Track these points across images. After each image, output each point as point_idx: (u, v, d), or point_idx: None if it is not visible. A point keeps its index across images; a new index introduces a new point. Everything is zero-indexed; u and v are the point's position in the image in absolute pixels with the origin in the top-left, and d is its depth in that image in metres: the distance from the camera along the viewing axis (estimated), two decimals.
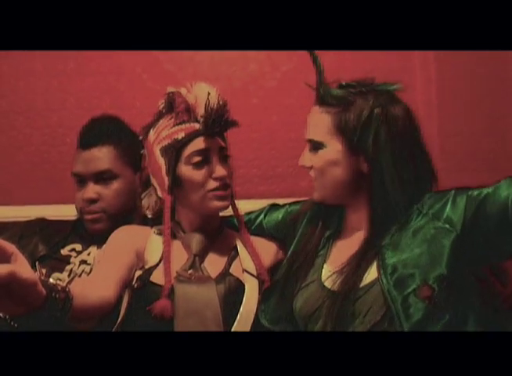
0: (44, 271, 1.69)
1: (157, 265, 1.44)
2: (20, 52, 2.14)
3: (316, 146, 1.37)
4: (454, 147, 2.22)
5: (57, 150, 2.20)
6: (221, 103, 1.43)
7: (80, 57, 2.20)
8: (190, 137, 1.45)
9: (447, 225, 1.25)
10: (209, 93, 1.43)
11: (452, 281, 1.22)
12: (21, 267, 0.89)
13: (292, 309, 1.39)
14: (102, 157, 1.75)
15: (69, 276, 1.68)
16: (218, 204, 1.47)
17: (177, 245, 1.50)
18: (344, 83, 1.42)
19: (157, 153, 1.49)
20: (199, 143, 1.45)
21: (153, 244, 1.49)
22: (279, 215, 1.62)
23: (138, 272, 1.45)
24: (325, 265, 1.40)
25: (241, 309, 1.40)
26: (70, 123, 2.17)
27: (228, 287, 1.42)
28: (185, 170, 1.46)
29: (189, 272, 1.43)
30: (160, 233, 1.52)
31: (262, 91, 2.21)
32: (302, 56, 2.15)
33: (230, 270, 1.48)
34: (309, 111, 1.43)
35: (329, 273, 1.36)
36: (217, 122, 1.44)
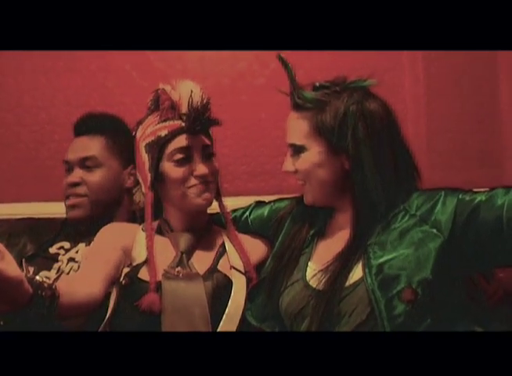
0: (32, 269, 1.69)
1: (145, 262, 1.44)
2: (9, 52, 2.13)
3: (298, 149, 1.38)
4: (442, 145, 2.23)
5: (46, 147, 2.19)
6: (204, 101, 1.43)
7: (69, 55, 2.19)
8: (173, 134, 1.45)
9: (434, 230, 1.25)
10: (192, 91, 1.43)
11: (437, 286, 1.22)
12: (7, 265, 0.89)
13: (278, 308, 1.39)
14: (91, 144, 1.80)
15: (57, 273, 1.68)
16: (198, 200, 1.47)
17: (165, 242, 1.51)
18: (317, 84, 1.42)
19: (142, 149, 1.50)
20: (181, 141, 1.45)
21: (140, 240, 1.49)
22: (264, 212, 1.62)
23: (126, 270, 1.45)
24: (309, 264, 1.40)
25: (229, 304, 1.40)
26: (59, 120, 2.17)
27: (216, 284, 1.43)
28: (167, 167, 1.47)
29: (177, 269, 1.43)
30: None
31: (251, 88, 2.21)
32: (291, 54, 2.17)
33: (218, 267, 1.48)
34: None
35: (313, 272, 1.36)
36: (198, 120, 1.44)
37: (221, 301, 1.40)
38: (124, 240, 1.49)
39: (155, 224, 1.54)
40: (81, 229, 1.80)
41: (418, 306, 1.20)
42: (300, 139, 1.38)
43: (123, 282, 1.43)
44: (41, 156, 2.19)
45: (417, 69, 2.25)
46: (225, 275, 1.45)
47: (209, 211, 1.57)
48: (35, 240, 1.79)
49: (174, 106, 1.47)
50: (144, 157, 1.50)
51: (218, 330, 1.38)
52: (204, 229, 1.56)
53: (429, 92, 2.24)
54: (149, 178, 1.50)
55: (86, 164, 1.78)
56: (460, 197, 1.25)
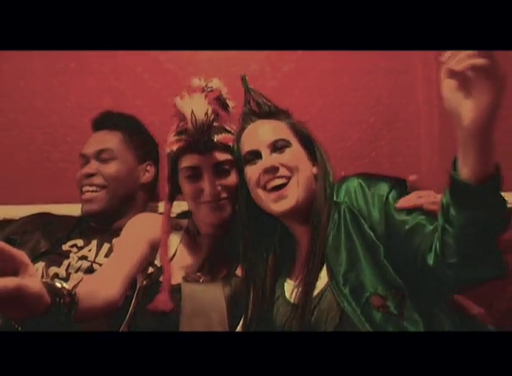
0: (43, 264, 1.69)
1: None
2: (21, 52, 2.14)
3: (283, 145, 1.38)
4: (455, 147, 2.21)
5: (58, 150, 2.19)
6: (208, 120, 1.39)
7: (80, 56, 2.20)
8: (182, 151, 1.44)
9: (373, 236, 1.26)
10: (192, 110, 1.38)
11: (403, 289, 1.21)
12: (29, 281, 0.89)
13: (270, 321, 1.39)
14: (108, 138, 1.85)
15: (66, 270, 1.68)
16: (210, 218, 1.47)
17: (191, 244, 1.51)
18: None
19: (165, 157, 1.51)
20: (190, 159, 1.44)
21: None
22: None
23: (151, 270, 1.45)
24: (287, 280, 1.41)
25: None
26: (71, 122, 2.17)
27: (233, 289, 1.42)
28: (182, 181, 1.47)
29: (198, 274, 1.43)
30: (176, 229, 1.53)
31: (263, 91, 2.20)
32: (302, 56, 2.17)
33: (236, 272, 1.48)
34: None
35: (291, 288, 1.37)
36: (200, 141, 1.40)
37: (239, 307, 1.40)
38: (152, 233, 1.48)
39: (184, 222, 1.54)
40: (94, 227, 1.81)
41: (390, 311, 1.19)
42: (284, 135, 1.40)
43: (144, 282, 1.43)
44: (53, 158, 2.19)
45: (430, 70, 2.23)
46: (243, 280, 1.44)
47: None
48: (49, 237, 1.80)
49: (184, 119, 1.43)
50: (167, 167, 1.51)
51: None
52: (227, 234, 1.54)
53: (442, 93, 2.22)
54: (166, 190, 1.50)
55: (102, 156, 1.82)
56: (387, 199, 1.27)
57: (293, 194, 1.35)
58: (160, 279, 1.42)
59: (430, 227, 1.16)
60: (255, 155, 1.39)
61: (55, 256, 1.74)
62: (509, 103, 2.23)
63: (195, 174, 1.44)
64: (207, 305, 1.37)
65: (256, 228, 1.44)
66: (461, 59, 0.97)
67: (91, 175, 1.82)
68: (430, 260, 1.10)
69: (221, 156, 1.44)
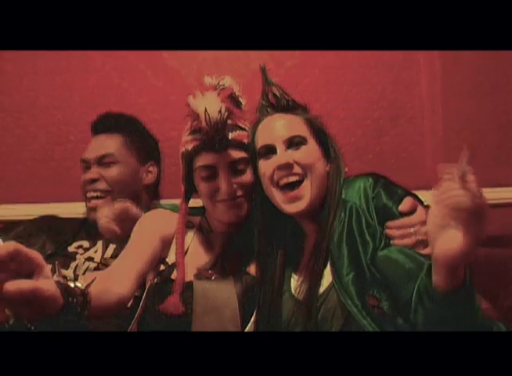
0: (49, 267, 1.69)
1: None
2: (24, 52, 2.15)
3: (299, 141, 1.37)
4: (458, 143, 2.21)
5: (62, 148, 2.19)
6: (222, 118, 1.38)
7: (83, 55, 2.20)
8: (197, 150, 1.43)
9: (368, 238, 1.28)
10: (206, 109, 1.36)
11: (393, 290, 1.22)
12: (44, 283, 0.89)
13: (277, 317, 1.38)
14: (109, 142, 1.83)
15: (74, 272, 1.68)
16: (225, 217, 1.46)
17: (203, 241, 1.51)
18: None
19: (180, 157, 1.49)
20: (205, 158, 1.42)
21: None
22: None
23: (162, 267, 1.45)
24: (293, 275, 1.40)
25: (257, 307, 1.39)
26: (75, 121, 2.17)
27: (245, 286, 1.42)
28: (197, 180, 1.46)
29: (210, 271, 1.43)
30: (189, 226, 1.52)
31: None
32: (305, 52, 2.16)
33: (247, 269, 1.47)
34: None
35: (296, 283, 1.37)
36: (216, 139, 1.39)
37: (250, 303, 1.39)
38: (165, 229, 1.48)
39: (197, 219, 1.54)
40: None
41: (383, 311, 1.20)
42: (301, 131, 1.38)
43: (155, 280, 1.43)
44: (56, 156, 2.20)
45: (434, 67, 2.23)
46: (254, 277, 1.44)
47: None
48: (54, 239, 1.80)
49: (198, 118, 1.40)
50: (181, 166, 1.50)
51: (246, 330, 1.37)
52: (240, 232, 1.53)
53: (445, 89, 2.22)
54: (182, 189, 1.50)
55: (104, 161, 1.81)
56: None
57: (307, 196, 1.34)
58: (172, 276, 1.42)
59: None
60: (270, 150, 1.37)
61: (62, 258, 1.74)
62: (503, 97, 2.25)
63: (210, 173, 1.43)
64: (219, 302, 1.37)
65: (269, 223, 1.43)
66: (451, 196, 0.95)
67: (94, 181, 1.81)
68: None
69: (237, 154, 1.43)
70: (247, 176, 1.45)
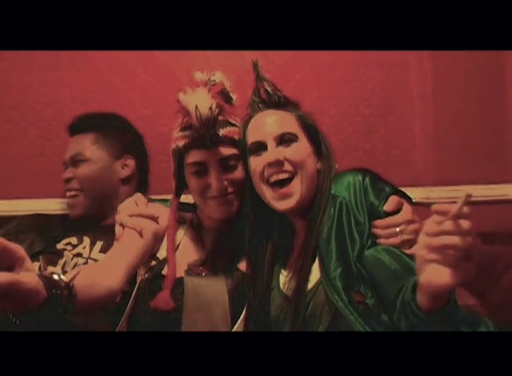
0: (38, 264, 1.69)
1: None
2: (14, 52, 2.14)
3: (290, 138, 1.37)
4: (449, 141, 2.22)
5: (52, 144, 2.18)
6: (213, 114, 1.37)
7: (74, 51, 2.18)
8: (188, 147, 1.43)
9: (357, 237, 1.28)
10: (196, 106, 1.36)
11: (378, 289, 1.22)
12: (24, 275, 0.88)
13: (266, 310, 1.39)
14: (78, 142, 1.89)
15: (62, 269, 1.68)
16: (216, 213, 1.46)
17: (195, 237, 1.51)
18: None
19: (171, 153, 1.50)
20: (196, 154, 1.42)
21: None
22: None
23: (153, 262, 1.45)
24: (282, 271, 1.41)
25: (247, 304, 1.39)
26: (65, 117, 2.15)
27: (236, 282, 1.42)
28: (188, 176, 1.46)
29: (200, 268, 1.43)
30: (181, 222, 1.52)
31: None
32: (299, 52, 2.16)
33: (238, 266, 1.47)
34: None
35: (285, 279, 1.37)
36: (206, 136, 1.39)
37: (241, 300, 1.40)
38: (156, 224, 1.47)
39: (189, 215, 1.54)
40: (85, 225, 1.81)
41: (368, 307, 1.21)
42: (292, 128, 1.38)
43: (146, 275, 1.42)
44: (46, 152, 2.18)
45: (425, 65, 2.23)
46: (244, 273, 1.44)
47: None
48: (43, 237, 1.80)
49: (188, 115, 1.41)
50: (172, 162, 1.50)
51: (235, 328, 1.37)
52: (232, 229, 1.53)
53: (436, 87, 2.23)
54: (173, 185, 1.50)
55: (75, 160, 1.86)
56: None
57: (296, 193, 1.34)
58: (163, 272, 1.42)
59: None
60: (261, 146, 1.37)
61: (51, 255, 1.74)
62: (493, 96, 2.26)
63: (201, 169, 1.43)
64: (209, 298, 1.37)
65: (258, 220, 1.43)
66: (442, 232, 0.91)
67: (68, 180, 1.87)
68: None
69: (227, 150, 1.43)
70: (238, 173, 1.45)
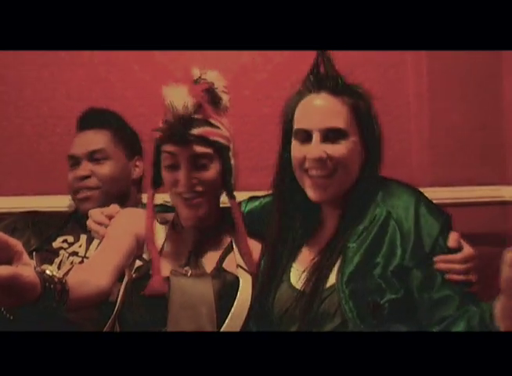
0: (34, 262, 1.69)
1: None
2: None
3: (338, 134, 1.29)
4: (445, 142, 2.22)
5: (48, 141, 2.18)
6: (187, 113, 1.36)
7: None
8: (163, 140, 1.42)
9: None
10: (170, 102, 1.35)
11: (396, 301, 1.21)
12: (23, 269, 0.89)
13: (268, 307, 1.37)
14: (98, 138, 1.83)
15: (58, 267, 1.68)
16: (185, 211, 1.44)
17: (177, 238, 1.51)
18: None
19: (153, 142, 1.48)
20: (169, 148, 1.41)
21: (156, 232, 1.48)
22: (254, 207, 1.59)
23: (139, 263, 1.45)
24: (294, 265, 1.39)
25: (235, 303, 1.39)
26: (61, 113, 2.16)
27: (223, 283, 1.42)
28: (162, 169, 1.45)
29: (185, 268, 1.42)
30: (162, 222, 1.52)
31: (254, 83, 2.20)
32: (296, 53, 2.16)
33: (224, 265, 1.47)
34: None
35: (297, 273, 1.35)
36: (176, 133, 1.38)
37: (228, 300, 1.39)
38: (138, 228, 1.47)
39: (170, 216, 1.54)
40: (84, 223, 1.81)
41: (381, 317, 1.20)
42: (342, 123, 1.29)
43: (134, 275, 1.42)
44: (42, 149, 2.18)
45: (421, 65, 2.24)
46: (232, 273, 1.44)
47: (222, 205, 1.55)
48: (39, 234, 1.79)
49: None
50: (152, 153, 1.49)
51: (223, 328, 1.37)
52: (215, 228, 1.53)
53: (432, 88, 2.23)
54: (150, 175, 1.49)
55: (95, 156, 1.80)
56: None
57: (334, 188, 1.31)
58: (150, 272, 1.42)
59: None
60: (305, 135, 1.31)
61: (47, 254, 1.73)
62: (489, 97, 2.26)
63: (173, 163, 1.42)
64: (195, 298, 1.37)
65: (284, 206, 1.42)
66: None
67: (85, 178, 1.80)
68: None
69: (200, 149, 1.40)
70: (210, 173, 1.43)
